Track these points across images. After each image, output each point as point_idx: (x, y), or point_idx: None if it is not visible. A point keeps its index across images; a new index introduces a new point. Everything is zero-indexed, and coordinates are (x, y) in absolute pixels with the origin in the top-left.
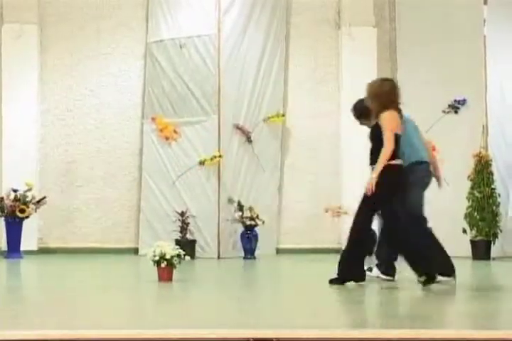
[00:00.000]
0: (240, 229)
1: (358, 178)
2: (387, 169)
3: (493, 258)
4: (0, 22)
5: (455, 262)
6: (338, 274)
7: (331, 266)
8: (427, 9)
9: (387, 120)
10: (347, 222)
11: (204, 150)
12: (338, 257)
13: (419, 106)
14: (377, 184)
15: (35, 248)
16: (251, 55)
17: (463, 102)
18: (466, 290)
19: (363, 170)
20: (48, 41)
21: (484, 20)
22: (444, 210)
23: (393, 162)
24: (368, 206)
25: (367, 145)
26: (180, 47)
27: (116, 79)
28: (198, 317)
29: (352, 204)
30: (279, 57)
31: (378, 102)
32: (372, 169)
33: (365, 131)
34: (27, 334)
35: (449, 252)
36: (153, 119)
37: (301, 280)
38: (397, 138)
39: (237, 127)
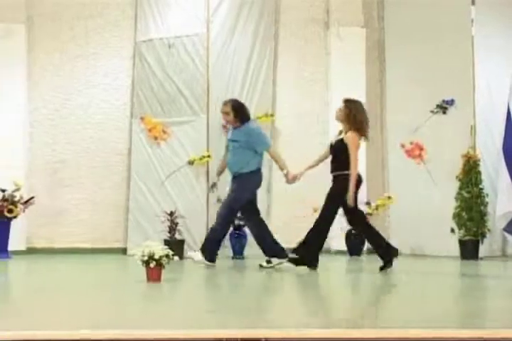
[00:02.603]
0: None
1: None
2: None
3: (481, 258)
4: None
5: (444, 261)
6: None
7: (320, 264)
8: (416, 9)
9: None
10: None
11: (193, 149)
12: (326, 255)
13: (407, 106)
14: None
15: (23, 248)
16: (240, 54)
17: (451, 102)
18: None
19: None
20: (36, 40)
21: (472, 21)
22: (433, 210)
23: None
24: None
25: None
26: (169, 46)
27: (104, 79)
28: (187, 317)
29: None
30: (267, 56)
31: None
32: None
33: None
34: (13, 334)
35: (438, 252)
36: (142, 119)
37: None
38: None
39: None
